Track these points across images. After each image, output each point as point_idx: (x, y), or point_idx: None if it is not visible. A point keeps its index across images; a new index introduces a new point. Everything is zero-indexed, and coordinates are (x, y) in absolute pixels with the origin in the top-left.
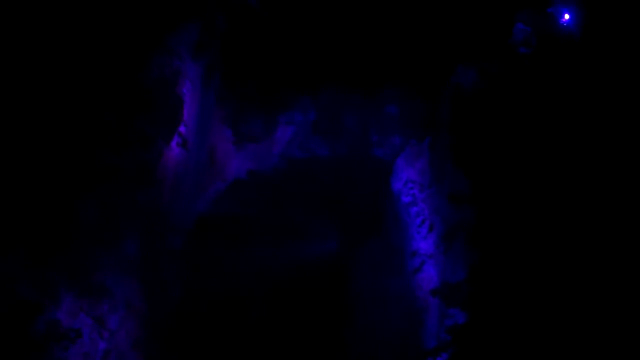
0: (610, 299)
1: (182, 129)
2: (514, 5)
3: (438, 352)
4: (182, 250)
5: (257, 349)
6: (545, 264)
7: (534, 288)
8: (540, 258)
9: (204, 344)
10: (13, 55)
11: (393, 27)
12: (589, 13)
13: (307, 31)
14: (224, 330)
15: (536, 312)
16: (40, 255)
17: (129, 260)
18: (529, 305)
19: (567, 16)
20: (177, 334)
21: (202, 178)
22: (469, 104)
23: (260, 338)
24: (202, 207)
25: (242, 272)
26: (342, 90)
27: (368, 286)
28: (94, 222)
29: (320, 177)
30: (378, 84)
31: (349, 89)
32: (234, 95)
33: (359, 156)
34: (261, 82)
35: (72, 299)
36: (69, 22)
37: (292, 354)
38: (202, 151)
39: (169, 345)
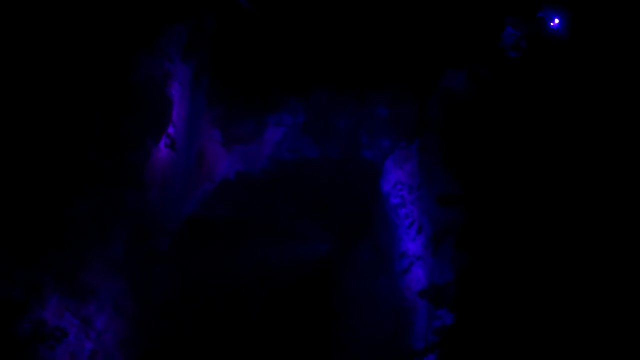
0: (601, 301)
1: (170, 130)
2: (503, 9)
3: (426, 352)
4: (170, 251)
5: (245, 349)
6: (534, 266)
7: (522, 290)
8: (529, 260)
9: (191, 345)
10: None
11: (383, 30)
12: (578, 17)
13: (297, 33)
14: (210, 331)
15: (524, 314)
16: (26, 254)
17: (117, 261)
18: (516, 307)
19: (556, 20)
20: (163, 335)
21: (191, 179)
22: (458, 106)
23: (248, 338)
24: (191, 208)
25: (230, 273)
26: (332, 91)
27: (357, 287)
28: (80, 222)
29: (309, 178)
30: (368, 86)
31: (339, 91)
32: (223, 97)
33: (349, 158)
34: (250, 83)
35: (58, 299)
36: (57, 23)
37: (281, 354)
38: (191, 152)
39: (155, 345)
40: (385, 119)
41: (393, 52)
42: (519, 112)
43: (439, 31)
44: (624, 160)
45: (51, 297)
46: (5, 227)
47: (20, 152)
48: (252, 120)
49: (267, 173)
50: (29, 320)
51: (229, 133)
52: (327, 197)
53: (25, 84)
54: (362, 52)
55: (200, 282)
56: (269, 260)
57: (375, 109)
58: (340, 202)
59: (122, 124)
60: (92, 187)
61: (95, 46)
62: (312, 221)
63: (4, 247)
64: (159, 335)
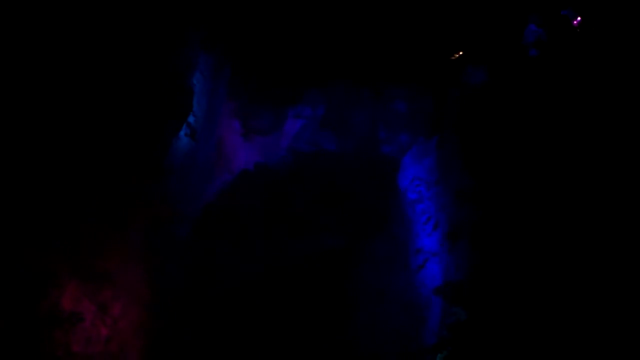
0: (612, 301)
1: (191, 119)
2: (526, 6)
3: (438, 349)
4: (188, 239)
5: (260, 340)
6: (550, 265)
7: (537, 288)
8: (545, 258)
9: (207, 333)
10: (32, 47)
11: (405, 25)
12: (601, 16)
13: (318, 26)
14: (226, 320)
15: (539, 312)
16: (45, 240)
17: (134, 248)
18: (532, 305)
19: (579, 18)
20: (179, 323)
21: (210, 169)
22: (477, 104)
23: (263, 329)
24: (209, 197)
25: (247, 263)
26: (351, 85)
27: (372, 281)
28: (99, 208)
29: (327, 171)
30: (388, 81)
31: (358, 85)
32: (243, 88)
33: (367, 152)
34: (271, 75)
35: (76, 285)
36: (79, 19)
37: (295, 346)
38: (211, 142)
39: (171, 333)
40: (403, 113)
41: (413, 47)
42: (540, 110)
43: (460, 27)
44: None
45: (70, 282)
46: (24, 212)
47: (40, 137)
48: (272, 111)
49: (285, 165)
50: (46, 305)
51: (249, 124)
52: (344, 190)
53: (50, 73)
54: (383, 46)
55: (216, 270)
56: (285, 251)
57: (393, 103)
58: (356, 196)
59: (143, 112)
60: (111, 173)
61: (118, 35)
62: (329, 214)
63: (22, 232)
64: (174, 323)
